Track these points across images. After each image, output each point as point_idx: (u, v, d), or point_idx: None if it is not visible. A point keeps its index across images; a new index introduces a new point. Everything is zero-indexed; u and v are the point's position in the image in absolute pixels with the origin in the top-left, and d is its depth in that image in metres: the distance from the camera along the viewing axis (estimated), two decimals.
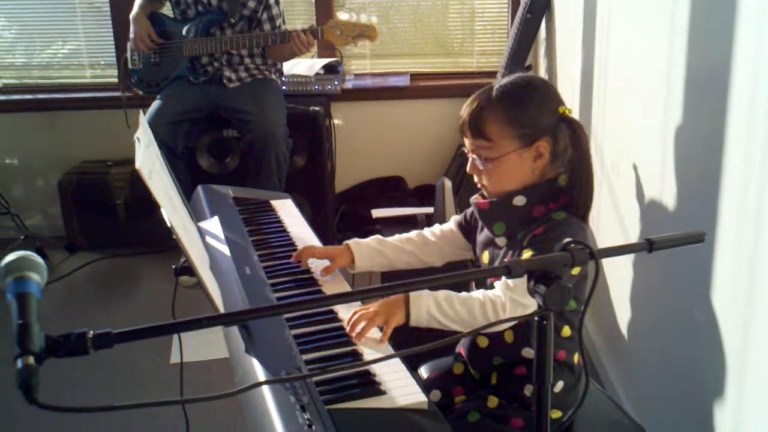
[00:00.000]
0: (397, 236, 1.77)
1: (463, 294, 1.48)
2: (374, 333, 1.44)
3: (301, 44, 3.30)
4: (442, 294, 1.45)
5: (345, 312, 1.53)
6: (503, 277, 1.47)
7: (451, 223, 1.78)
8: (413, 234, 1.78)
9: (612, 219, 2.40)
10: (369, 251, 1.74)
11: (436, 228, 1.79)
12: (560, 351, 1.57)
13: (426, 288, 1.39)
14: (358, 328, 1.43)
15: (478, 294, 1.48)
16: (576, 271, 1.48)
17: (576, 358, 1.59)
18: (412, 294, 1.45)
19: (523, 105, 1.52)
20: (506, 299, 1.44)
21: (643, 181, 2.14)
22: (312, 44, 3.35)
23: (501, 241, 1.59)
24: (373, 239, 1.76)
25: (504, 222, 1.57)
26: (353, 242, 1.74)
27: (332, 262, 1.72)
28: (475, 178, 1.60)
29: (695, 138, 1.78)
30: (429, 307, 1.44)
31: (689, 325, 1.83)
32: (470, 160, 1.58)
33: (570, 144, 1.53)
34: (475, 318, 1.44)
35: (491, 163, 1.53)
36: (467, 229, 1.74)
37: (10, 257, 0.87)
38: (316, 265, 1.75)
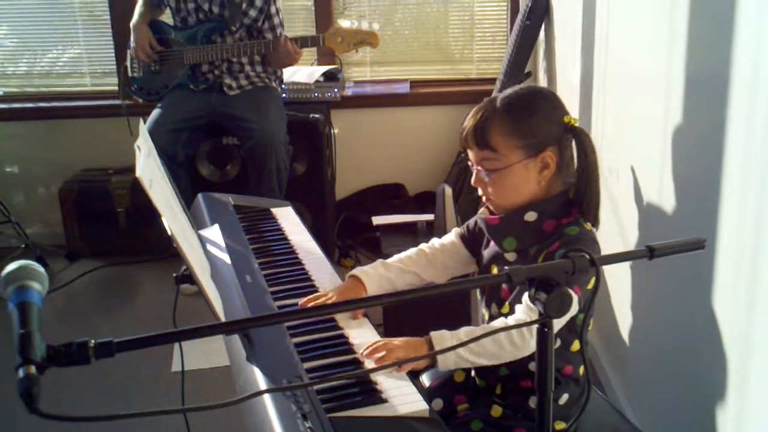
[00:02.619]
0: (397, 257, 1.71)
1: (483, 326, 1.46)
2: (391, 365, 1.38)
3: (292, 53, 3.34)
4: (464, 331, 1.42)
5: (346, 321, 1.53)
6: (524, 300, 1.45)
7: (452, 236, 1.73)
8: (413, 252, 1.72)
9: (612, 225, 2.40)
10: (379, 280, 1.67)
11: (436, 242, 1.74)
12: (567, 366, 1.56)
13: (428, 295, 1.38)
14: (377, 355, 1.38)
15: (499, 323, 1.45)
16: (590, 285, 1.46)
17: (582, 371, 1.58)
18: (433, 337, 1.41)
19: (529, 115, 1.50)
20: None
21: (643, 187, 2.14)
22: (298, 53, 3.39)
23: (510, 256, 1.57)
24: (378, 264, 1.69)
25: (515, 237, 1.55)
26: (360, 272, 1.66)
27: None
28: (480, 191, 1.58)
29: (695, 143, 1.78)
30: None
31: (690, 332, 1.83)
32: (474, 172, 1.56)
33: (576, 154, 1.51)
34: (503, 347, 1.40)
35: (496, 174, 1.51)
36: (471, 241, 1.70)
37: (11, 266, 0.87)
38: (319, 279, 1.73)
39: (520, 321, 1.41)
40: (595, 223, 1.53)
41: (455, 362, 1.42)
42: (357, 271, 1.66)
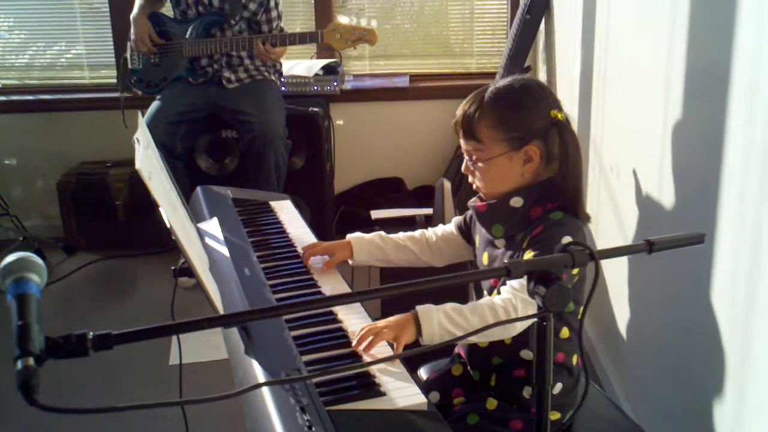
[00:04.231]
0: (401, 233, 1.79)
1: (471, 303, 1.47)
2: (381, 349, 1.40)
3: (264, 54, 3.34)
4: (450, 306, 1.43)
5: (344, 313, 1.53)
6: (509, 282, 1.46)
7: (452, 226, 1.79)
8: (416, 233, 1.79)
9: (611, 220, 2.40)
10: (369, 246, 1.76)
11: (438, 229, 1.79)
12: (559, 353, 1.57)
13: (426, 288, 1.38)
14: (365, 343, 1.39)
15: (486, 301, 1.47)
16: (575, 272, 1.48)
17: (575, 359, 1.59)
18: (419, 310, 1.42)
19: (514, 108, 1.53)
20: (517, 300, 1.43)
21: (643, 182, 2.14)
22: (273, 53, 3.37)
23: (500, 242, 1.59)
24: (375, 235, 1.78)
25: (502, 224, 1.57)
26: (355, 237, 1.77)
27: (332, 257, 1.75)
28: (470, 179, 1.62)
29: (695, 139, 1.78)
30: (440, 320, 1.40)
31: (688, 326, 1.83)
32: (465, 160, 1.60)
33: (559, 149, 1.52)
34: (488, 324, 1.41)
35: (482, 165, 1.55)
36: (467, 232, 1.75)
37: (10, 258, 0.86)
38: (315, 262, 1.76)
39: (507, 301, 1.43)
40: (579, 217, 1.54)
41: (440, 336, 1.43)
42: (352, 235, 1.77)
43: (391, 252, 1.77)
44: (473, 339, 1.46)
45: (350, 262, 1.78)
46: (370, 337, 1.39)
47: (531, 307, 1.42)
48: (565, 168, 1.52)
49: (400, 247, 1.77)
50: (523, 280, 1.38)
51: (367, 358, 1.37)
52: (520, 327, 1.44)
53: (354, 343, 1.40)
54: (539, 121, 1.52)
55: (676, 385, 1.94)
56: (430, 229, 1.81)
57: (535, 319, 1.06)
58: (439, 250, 1.78)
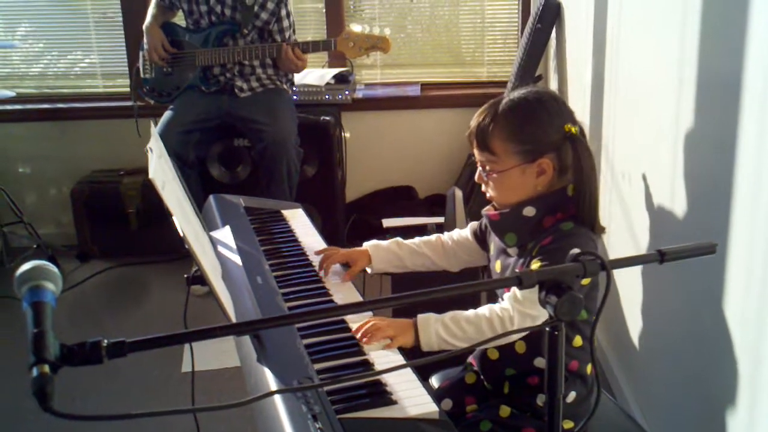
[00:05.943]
0: (417, 239, 1.81)
1: (470, 312, 1.49)
2: (389, 357, 1.44)
3: (288, 61, 3.34)
4: (449, 315, 1.47)
5: (356, 322, 1.54)
6: (512, 289, 1.47)
7: (467, 231, 1.80)
8: (432, 238, 1.81)
9: (623, 229, 2.39)
10: (387, 254, 1.79)
11: (454, 233, 1.81)
12: (572, 361, 1.57)
13: (437, 297, 1.39)
14: (368, 335, 1.44)
15: (485, 310, 1.48)
16: (586, 281, 1.48)
17: (588, 368, 1.59)
18: (419, 320, 1.47)
19: (527, 122, 1.53)
20: (515, 312, 1.45)
21: (654, 191, 2.14)
22: (302, 60, 3.38)
23: (512, 251, 1.60)
24: (392, 242, 1.80)
25: (515, 232, 1.57)
26: (372, 245, 1.80)
27: (352, 266, 1.77)
28: (483, 188, 1.63)
29: (706, 147, 1.77)
30: (437, 330, 1.45)
31: (700, 335, 1.83)
32: (478, 169, 1.61)
33: (572, 163, 1.53)
34: (484, 335, 1.45)
35: (495, 176, 1.56)
36: (482, 239, 1.76)
37: (26, 266, 0.87)
38: (333, 272, 1.78)
39: (505, 312, 1.46)
40: (594, 229, 1.55)
41: (438, 344, 1.46)
42: (369, 244, 1.80)
43: (408, 258, 1.79)
44: (466, 346, 1.49)
45: (369, 270, 1.80)
46: (372, 331, 1.44)
47: (529, 320, 1.45)
48: (579, 182, 1.53)
49: (416, 253, 1.79)
50: (526, 292, 1.40)
51: (378, 366, 1.37)
52: (516, 335, 1.46)
53: (359, 335, 1.45)
54: (553, 134, 1.53)
55: (687, 394, 1.93)
56: (446, 233, 1.82)
57: (544, 329, 1.06)
58: (454, 255, 1.80)
